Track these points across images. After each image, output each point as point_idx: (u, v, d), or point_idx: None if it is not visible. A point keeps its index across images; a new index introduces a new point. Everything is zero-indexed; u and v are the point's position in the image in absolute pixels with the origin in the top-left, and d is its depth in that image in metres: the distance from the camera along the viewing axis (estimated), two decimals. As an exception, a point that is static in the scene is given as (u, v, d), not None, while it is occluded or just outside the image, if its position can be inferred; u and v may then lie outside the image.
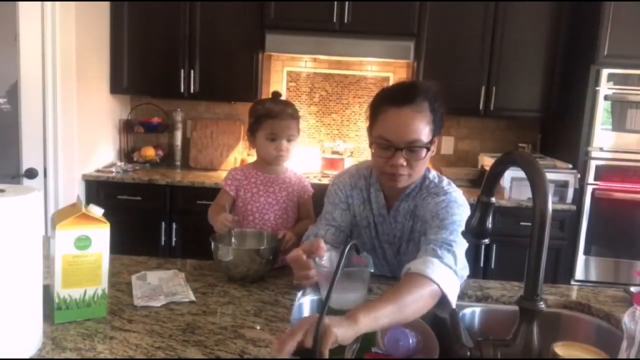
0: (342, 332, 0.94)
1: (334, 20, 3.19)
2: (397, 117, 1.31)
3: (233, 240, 1.55)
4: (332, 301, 1.13)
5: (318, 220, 1.55)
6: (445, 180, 1.46)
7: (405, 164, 1.32)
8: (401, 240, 1.48)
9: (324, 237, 1.44)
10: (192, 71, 3.33)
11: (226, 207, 1.67)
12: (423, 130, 1.30)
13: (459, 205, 1.36)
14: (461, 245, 1.27)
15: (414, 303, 1.11)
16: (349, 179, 1.52)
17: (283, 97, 1.87)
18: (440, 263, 1.20)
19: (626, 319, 1.00)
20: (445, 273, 1.19)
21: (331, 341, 0.91)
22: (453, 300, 1.19)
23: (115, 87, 3.40)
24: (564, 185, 3.06)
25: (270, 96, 1.85)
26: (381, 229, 1.49)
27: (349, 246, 1.01)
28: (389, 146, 1.32)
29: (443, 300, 1.19)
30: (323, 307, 0.91)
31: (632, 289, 1.46)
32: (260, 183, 1.78)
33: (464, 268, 1.27)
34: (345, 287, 1.20)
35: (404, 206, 1.45)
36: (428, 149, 1.33)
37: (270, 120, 1.71)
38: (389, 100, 1.33)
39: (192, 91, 3.35)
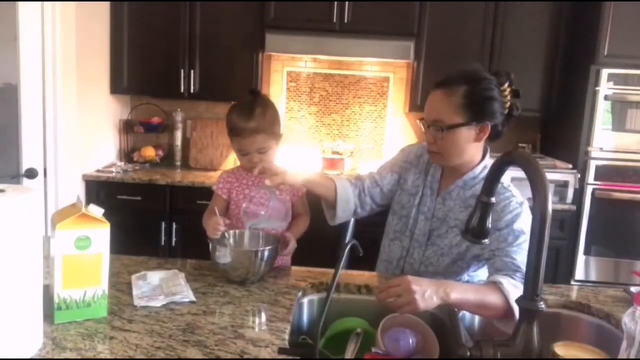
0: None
1: (334, 20, 3.19)
2: (430, 98, 1.47)
3: (230, 242, 1.55)
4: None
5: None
6: (512, 185, 1.50)
7: (432, 140, 1.46)
8: (440, 222, 1.53)
9: (364, 181, 1.65)
10: (192, 71, 3.33)
11: (216, 211, 1.61)
12: (447, 112, 1.41)
13: (529, 217, 1.40)
14: None
15: (487, 310, 1.24)
16: (417, 148, 1.68)
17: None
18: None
19: (626, 319, 1.00)
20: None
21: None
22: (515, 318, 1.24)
23: (115, 87, 3.40)
24: (564, 185, 3.05)
25: (254, 97, 1.70)
26: (424, 201, 1.58)
27: (349, 246, 1.01)
28: (423, 123, 1.49)
29: (509, 317, 1.24)
30: (324, 306, 0.91)
31: (632, 289, 1.46)
32: (251, 184, 1.76)
33: None
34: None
35: (458, 192, 1.51)
36: (442, 129, 1.41)
37: (236, 137, 1.65)
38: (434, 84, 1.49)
39: (192, 91, 3.35)
